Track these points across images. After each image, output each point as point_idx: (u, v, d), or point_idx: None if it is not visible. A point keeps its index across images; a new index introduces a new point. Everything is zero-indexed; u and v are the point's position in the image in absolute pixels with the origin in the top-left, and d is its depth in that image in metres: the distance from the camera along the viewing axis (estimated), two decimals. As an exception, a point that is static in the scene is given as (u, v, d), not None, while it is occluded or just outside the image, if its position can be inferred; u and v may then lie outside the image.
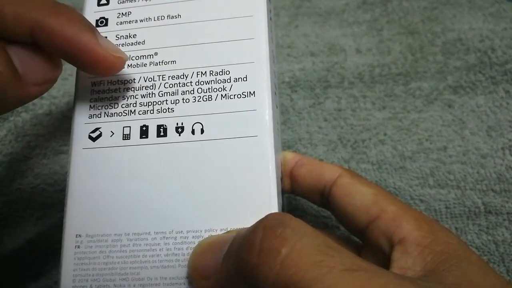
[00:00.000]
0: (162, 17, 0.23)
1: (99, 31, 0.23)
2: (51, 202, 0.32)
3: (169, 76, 0.22)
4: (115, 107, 0.22)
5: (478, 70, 0.35)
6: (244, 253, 0.16)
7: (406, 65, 0.36)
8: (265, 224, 0.16)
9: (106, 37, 0.23)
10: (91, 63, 0.19)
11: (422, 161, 0.32)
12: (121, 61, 0.20)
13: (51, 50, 0.19)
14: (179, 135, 0.21)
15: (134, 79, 0.22)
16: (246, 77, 0.21)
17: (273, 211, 0.19)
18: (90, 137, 0.21)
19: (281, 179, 0.23)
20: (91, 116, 0.22)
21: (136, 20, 0.23)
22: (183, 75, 0.22)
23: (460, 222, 0.30)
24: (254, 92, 0.21)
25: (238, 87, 0.21)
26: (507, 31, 0.37)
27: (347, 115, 0.34)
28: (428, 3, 0.39)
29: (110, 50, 0.20)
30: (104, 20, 0.23)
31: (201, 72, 0.22)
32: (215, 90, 0.21)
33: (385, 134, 0.33)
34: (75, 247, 0.20)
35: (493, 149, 0.32)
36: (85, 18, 0.20)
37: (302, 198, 0.27)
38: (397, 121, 0.34)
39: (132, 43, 0.23)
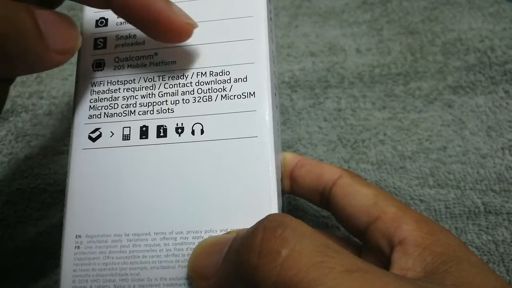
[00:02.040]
0: None
1: (100, 32, 0.23)
2: (51, 202, 0.32)
3: (169, 77, 0.22)
4: (115, 107, 0.22)
5: (478, 70, 0.35)
6: (244, 254, 0.16)
7: (406, 65, 0.36)
8: (265, 225, 0.16)
9: (106, 37, 0.23)
10: (164, 29, 0.20)
11: (422, 161, 0.32)
12: (191, 27, 0.21)
13: (126, 16, 0.20)
14: (179, 136, 0.21)
15: (134, 79, 0.22)
16: (246, 78, 0.21)
17: (273, 212, 0.19)
18: (90, 138, 0.21)
19: (281, 179, 0.23)
20: (91, 117, 0.22)
21: None
22: (183, 76, 0.22)
23: (460, 222, 0.30)
24: (254, 92, 0.21)
25: (238, 88, 0.21)
26: (507, 31, 0.37)
27: (347, 115, 0.34)
28: (428, 3, 0.39)
29: (182, 17, 0.20)
30: (104, 20, 0.23)
31: (201, 73, 0.22)
32: (215, 90, 0.21)
33: (385, 134, 0.33)
34: (75, 247, 0.20)
35: (492, 149, 0.32)
36: None
37: (302, 198, 0.27)
38: (397, 121, 0.34)
39: (132, 43, 0.22)
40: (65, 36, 0.19)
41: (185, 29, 0.20)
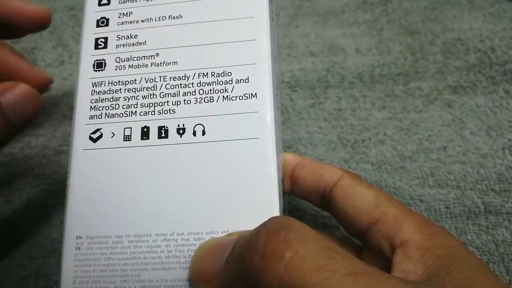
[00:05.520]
0: (164, 18, 0.23)
1: (101, 32, 0.23)
2: (51, 202, 0.32)
3: (170, 77, 0.22)
4: (116, 108, 0.22)
5: (478, 70, 0.35)
6: (248, 257, 0.16)
7: (406, 65, 0.36)
8: (269, 228, 0.16)
9: (107, 37, 0.23)
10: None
11: (422, 161, 0.32)
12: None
13: None
14: (180, 137, 0.21)
15: (135, 79, 0.22)
16: (247, 79, 0.21)
17: (274, 213, 0.19)
18: (90, 138, 0.21)
19: (282, 180, 0.23)
20: (91, 117, 0.22)
21: (138, 21, 0.23)
22: (185, 76, 0.22)
23: (460, 222, 0.30)
24: (255, 93, 0.21)
25: (240, 89, 0.21)
26: (507, 31, 0.37)
27: (347, 115, 0.34)
28: (428, 3, 0.39)
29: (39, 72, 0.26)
30: (105, 20, 0.23)
31: (203, 73, 0.22)
32: (216, 91, 0.21)
33: (385, 134, 0.33)
34: (76, 248, 0.20)
35: (493, 149, 0.32)
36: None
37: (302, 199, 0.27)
38: (397, 121, 0.34)
39: (133, 43, 0.22)
40: (24, 109, 0.25)
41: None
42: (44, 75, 0.27)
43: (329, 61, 0.37)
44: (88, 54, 0.23)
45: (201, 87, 0.21)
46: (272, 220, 0.17)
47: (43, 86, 0.27)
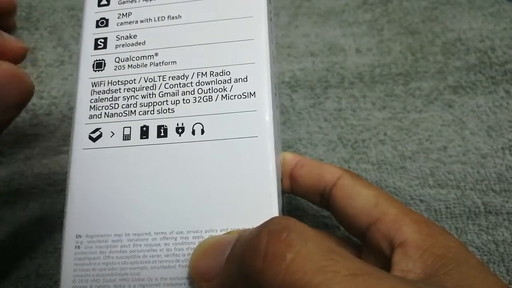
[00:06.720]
0: (163, 18, 0.23)
1: (100, 32, 0.23)
2: (51, 202, 0.32)
3: (169, 77, 0.22)
4: (116, 107, 0.22)
5: (478, 70, 0.35)
6: (249, 258, 0.16)
7: (406, 65, 0.36)
8: (270, 229, 0.16)
9: (106, 38, 0.23)
10: None
11: (422, 161, 0.32)
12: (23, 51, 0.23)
13: None
14: (180, 136, 0.21)
15: (134, 79, 0.22)
16: (246, 78, 0.21)
17: (273, 212, 0.19)
18: (90, 138, 0.21)
19: (281, 179, 0.23)
20: (91, 117, 0.22)
21: (137, 21, 0.23)
22: (184, 76, 0.22)
23: (460, 222, 0.30)
24: (254, 92, 0.21)
25: (239, 88, 0.21)
26: (507, 31, 0.37)
27: (347, 115, 0.34)
28: (428, 3, 0.39)
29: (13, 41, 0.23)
30: (104, 21, 0.23)
31: (202, 73, 0.22)
32: (215, 90, 0.21)
33: (385, 134, 0.33)
34: (75, 247, 0.20)
35: (493, 149, 0.32)
36: None
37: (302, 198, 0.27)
38: (397, 121, 0.34)
39: (133, 43, 0.23)
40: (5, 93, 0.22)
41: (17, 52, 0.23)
42: (20, 45, 0.24)
43: (329, 61, 0.37)
44: (87, 54, 0.23)
45: (200, 87, 0.21)
46: (273, 220, 0.17)
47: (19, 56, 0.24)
